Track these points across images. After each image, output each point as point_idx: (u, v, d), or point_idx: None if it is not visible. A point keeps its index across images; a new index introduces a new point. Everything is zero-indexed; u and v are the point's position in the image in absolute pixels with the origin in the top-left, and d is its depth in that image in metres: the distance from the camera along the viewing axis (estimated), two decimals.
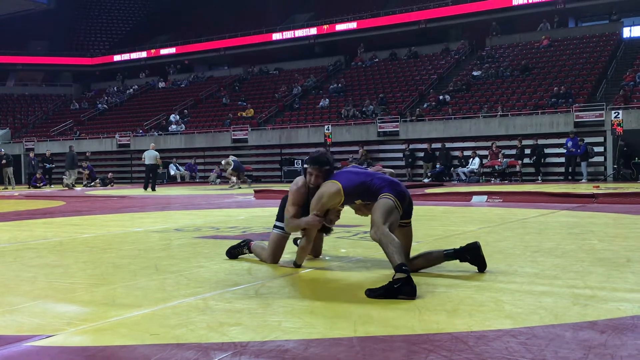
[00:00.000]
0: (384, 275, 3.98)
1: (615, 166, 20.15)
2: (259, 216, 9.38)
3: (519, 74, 26.38)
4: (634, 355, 2.43)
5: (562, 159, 20.88)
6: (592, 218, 8.03)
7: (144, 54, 43.32)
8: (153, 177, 20.20)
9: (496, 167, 21.53)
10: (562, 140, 20.69)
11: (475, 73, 27.56)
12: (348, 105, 27.83)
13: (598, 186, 15.14)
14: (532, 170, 21.42)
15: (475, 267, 4.20)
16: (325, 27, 36.66)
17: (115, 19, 50.12)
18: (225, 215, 9.62)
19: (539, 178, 20.97)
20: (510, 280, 3.95)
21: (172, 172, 27.90)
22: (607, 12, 30.29)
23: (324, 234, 4.64)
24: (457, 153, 22.82)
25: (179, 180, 27.56)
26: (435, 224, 7.45)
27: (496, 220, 7.91)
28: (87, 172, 26.91)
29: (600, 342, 2.59)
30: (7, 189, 23.98)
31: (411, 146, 23.97)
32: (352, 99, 28.78)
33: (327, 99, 29.64)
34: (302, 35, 37.41)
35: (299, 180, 4.53)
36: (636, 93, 22.50)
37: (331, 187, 4.21)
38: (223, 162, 22.78)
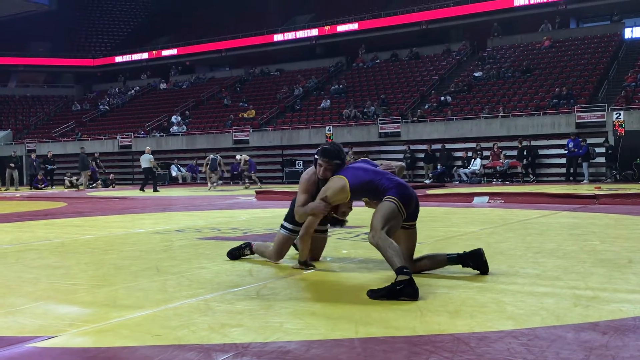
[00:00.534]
0: (386, 276, 3.98)
1: (611, 170, 20.16)
2: (260, 217, 9.38)
3: (521, 74, 26.36)
4: (636, 356, 2.43)
5: (563, 160, 20.88)
6: (593, 219, 8.02)
7: (145, 55, 43.38)
8: (153, 179, 20.24)
9: (497, 168, 21.53)
10: (564, 141, 20.68)
11: (476, 74, 27.54)
12: (349, 106, 27.82)
13: (599, 187, 15.13)
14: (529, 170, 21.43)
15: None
16: (326, 28, 36.66)
17: (116, 20, 50.15)
18: (226, 217, 9.62)
19: (531, 177, 21.00)
20: (512, 281, 3.94)
21: (173, 173, 27.90)
22: (609, 12, 30.26)
23: (338, 227, 4.61)
24: (460, 154, 22.81)
25: (180, 181, 27.56)
26: (437, 225, 7.45)
27: (498, 221, 7.91)
28: (89, 172, 26.88)
29: (602, 343, 2.59)
30: (8, 189, 23.99)
31: (413, 147, 23.98)
32: (354, 100, 28.78)
33: (328, 100, 29.65)
34: (303, 36, 37.41)
35: (310, 169, 4.54)
36: (638, 94, 22.47)
37: (338, 182, 4.16)
38: (238, 158, 23.16)
